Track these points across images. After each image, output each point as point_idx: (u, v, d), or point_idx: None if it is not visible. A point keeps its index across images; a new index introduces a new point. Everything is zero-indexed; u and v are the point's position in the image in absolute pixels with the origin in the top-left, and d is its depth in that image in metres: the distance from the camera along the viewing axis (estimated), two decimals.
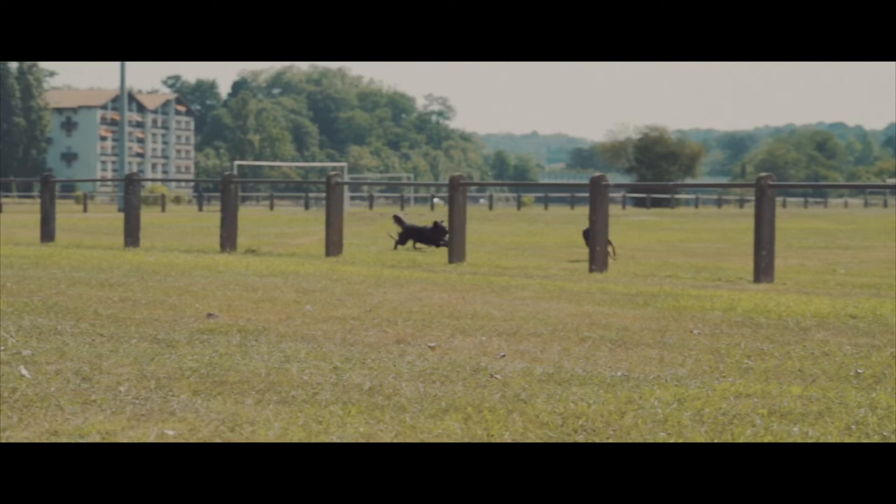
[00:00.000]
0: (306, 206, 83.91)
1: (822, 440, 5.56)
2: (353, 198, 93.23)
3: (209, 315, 10.59)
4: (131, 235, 24.04)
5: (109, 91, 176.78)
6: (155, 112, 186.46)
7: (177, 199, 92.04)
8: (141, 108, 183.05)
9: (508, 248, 26.45)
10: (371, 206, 79.63)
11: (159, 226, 37.52)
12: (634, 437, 5.59)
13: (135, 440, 5.29)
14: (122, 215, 25.10)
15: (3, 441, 5.24)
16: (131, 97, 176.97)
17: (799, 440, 5.56)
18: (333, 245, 21.46)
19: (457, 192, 20.22)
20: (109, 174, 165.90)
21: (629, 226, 41.16)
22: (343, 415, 6.00)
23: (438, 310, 11.43)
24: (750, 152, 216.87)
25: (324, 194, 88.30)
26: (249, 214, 54.95)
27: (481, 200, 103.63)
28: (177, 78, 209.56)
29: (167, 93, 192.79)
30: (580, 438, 5.57)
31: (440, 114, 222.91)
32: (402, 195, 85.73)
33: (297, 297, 12.61)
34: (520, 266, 19.10)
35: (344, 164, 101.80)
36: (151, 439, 5.32)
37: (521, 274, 17.18)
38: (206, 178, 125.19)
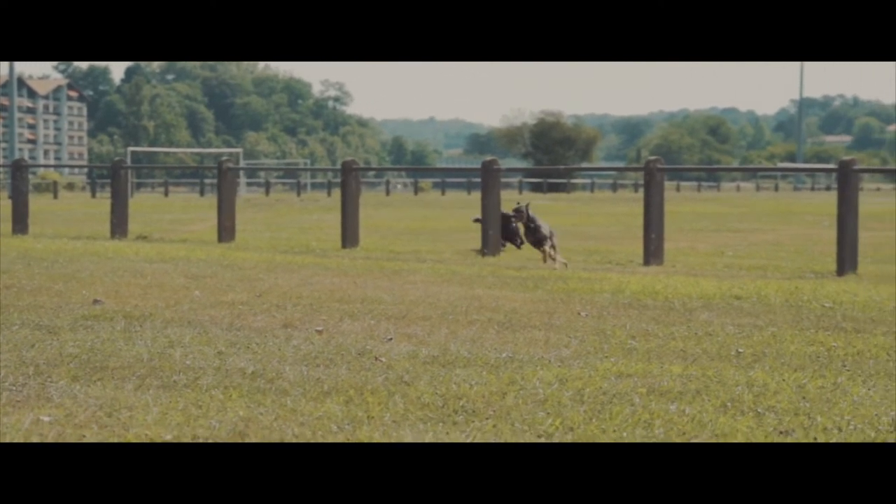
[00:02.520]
0: (202, 193, 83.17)
1: (697, 417, 5.64)
2: (249, 184, 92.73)
3: (95, 301, 10.47)
4: (19, 222, 23.68)
5: None
6: (46, 98, 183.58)
7: (70, 186, 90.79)
8: (32, 94, 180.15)
9: (403, 232, 26.47)
10: (268, 193, 79.18)
11: (50, 213, 37.01)
12: (514, 418, 5.62)
13: (10, 427, 5.22)
14: (11, 202, 24.69)
15: None
16: (21, 82, 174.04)
17: (675, 417, 5.63)
18: (226, 231, 21.33)
19: (349, 177, 20.19)
20: (0, 161, 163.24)
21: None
22: (224, 399, 5.97)
23: (329, 294, 11.41)
24: (645, 137, 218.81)
25: (217, 181, 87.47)
26: (144, 201, 54.43)
27: (378, 186, 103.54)
28: (68, 63, 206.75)
29: (59, 78, 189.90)
30: (460, 419, 5.59)
31: (337, 99, 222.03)
32: (299, 181, 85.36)
33: (186, 283, 12.51)
34: (413, 250, 19.13)
35: (240, 150, 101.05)
36: (27, 425, 5.25)
37: (413, 258, 17.20)
38: (99, 164, 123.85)
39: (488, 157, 19.51)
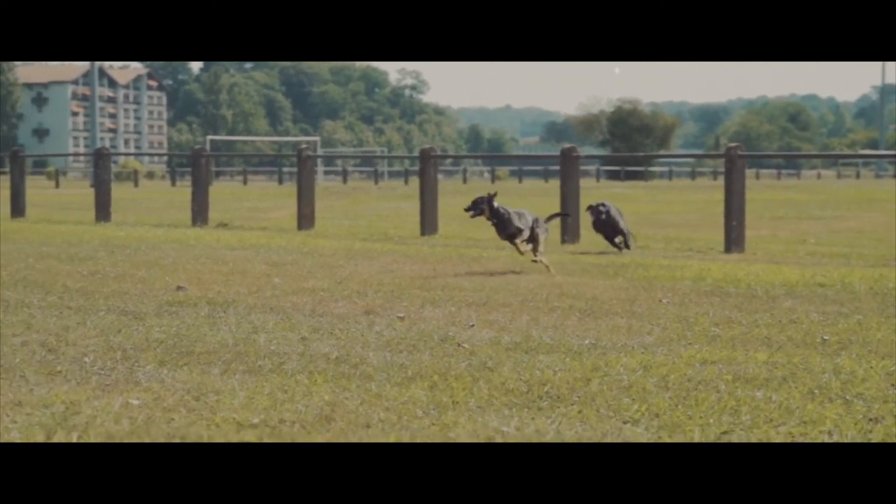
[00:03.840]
0: (280, 181, 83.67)
1: (784, 404, 5.59)
2: (326, 172, 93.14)
3: (178, 288, 10.57)
4: (102, 210, 23.96)
5: (80, 66, 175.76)
6: (126, 87, 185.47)
7: (150, 175, 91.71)
8: (112, 84, 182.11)
9: (481, 220, 26.41)
10: (345, 181, 79.51)
11: (131, 201, 37.38)
12: (599, 404, 5.60)
13: (100, 409, 5.29)
14: (94, 191, 25.00)
15: None
16: (102, 72, 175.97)
17: (762, 404, 5.59)
18: (305, 219, 21.44)
19: (428, 165, 20.21)
20: (82, 150, 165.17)
21: (603, 198, 41.14)
22: (309, 384, 6.01)
23: (409, 281, 11.44)
24: (723, 124, 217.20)
25: (297, 169, 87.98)
26: (223, 189, 54.80)
27: (455, 175, 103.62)
28: None
29: (139, 67, 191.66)
30: (545, 405, 5.58)
31: (414, 88, 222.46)
32: (376, 169, 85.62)
33: (267, 270, 12.60)
34: (492, 238, 19.08)
35: (317, 138, 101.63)
36: (116, 408, 5.31)
37: (492, 246, 17.18)
38: (179, 153, 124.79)
39: (565, 145, 19.44)
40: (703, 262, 14.28)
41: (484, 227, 22.62)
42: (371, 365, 6.56)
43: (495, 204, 13.21)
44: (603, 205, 15.91)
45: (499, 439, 4.90)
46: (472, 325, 8.34)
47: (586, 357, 6.94)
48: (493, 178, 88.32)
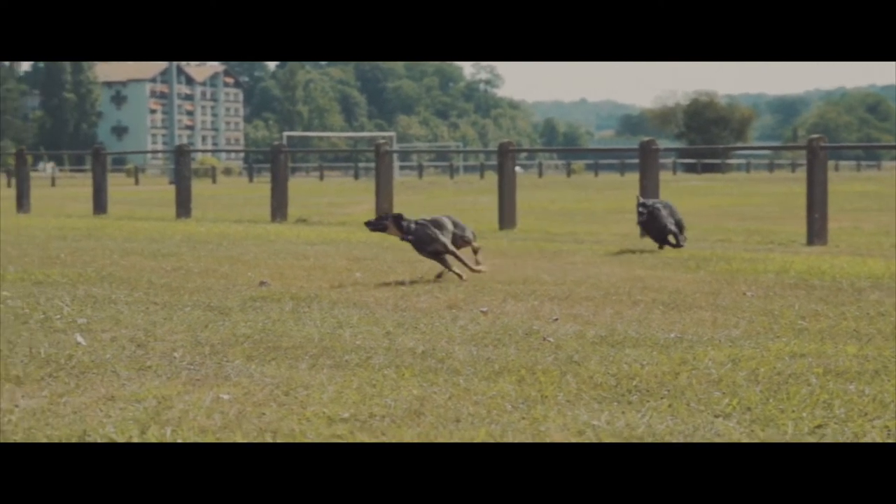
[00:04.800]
0: (356, 176, 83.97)
1: (878, 398, 5.53)
2: (402, 167, 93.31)
3: (261, 283, 10.64)
4: (183, 206, 24.18)
5: (158, 64, 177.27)
6: (203, 84, 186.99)
7: (227, 171, 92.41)
8: (189, 81, 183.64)
9: (558, 214, 26.40)
10: (421, 176, 79.64)
11: (210, 197, 37.67)
12: (689, 398, 5.57)
13: (191, 404, 5.33)
14: (173, 187, 25.25)
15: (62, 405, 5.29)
16: (180, 70, 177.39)
17: (855, 398, 5.53)
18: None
19: (506, 159, 20.19)
20: (160, 147, 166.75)
21: (681, 191, 40.91)
22: (397, 378, 6.02)
23: (490, 275, 11.41)
24: (801, 116, 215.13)
25: (373, 164, 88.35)
26: (299, 185, 55.05)
27: (530, 168, 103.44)
28: None
29: (215, 65, 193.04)
30: (634, 399, 5.55)
31: (488, 82, 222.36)
32: (452, 164, 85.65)
33: (347, 265, 12.65)
34: (570, 232, 19.06)
35: (392, 133, 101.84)
36: (208, 403, 5.35)
37: (571, 240, 17.15)
38: (256, 149, 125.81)
39: (643, 138, 19.35)
40: (785, 254, 14.15)
41: (562, 221, 22.58)
42: (457, 359, 6.57)
43: (404, 222, 11.37)
44: (643, 205, 14.87)
45: (590, 433, 4.89)
46: (556, 319, 8.32)
47: (673, 351, 6.90)
48: (569, 171, 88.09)
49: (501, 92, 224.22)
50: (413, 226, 11.30)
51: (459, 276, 11.03)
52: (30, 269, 11.73)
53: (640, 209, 14.74)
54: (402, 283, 10.70)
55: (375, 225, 11.55)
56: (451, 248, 11.22)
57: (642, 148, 18.38)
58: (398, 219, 11.43)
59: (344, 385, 5.80)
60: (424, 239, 11.25)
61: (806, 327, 7.91)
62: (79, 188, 53.47)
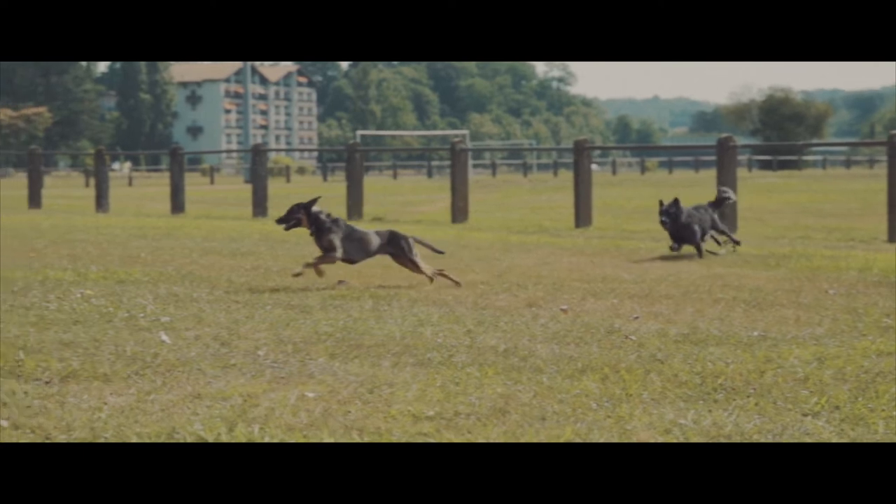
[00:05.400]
0: (429, 175, 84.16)
1: None
2: (475, 165, 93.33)
3: (339, 282, 10.66)
4: (259, 205, 24.34)
5: (232, 64, 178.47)
6: (277, 84, 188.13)
7: (301, 170, 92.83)
8: (263, 81, 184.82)
9: (634, 212, 26.27)
10: (494, 174, 79.62)
11: (285, 196, 37.76)
12: (776, 396, 5.52)
13: (277, 402, 5.35)
14: (248, 187, 25.46)
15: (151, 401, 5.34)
16: (254, 70, 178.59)
17: None
18: (459, 211, 21.51)
19: (581, 156, 20.13)
20: (234, 147, 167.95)
21: (758, 188, 40.60)
22: (480, 376, 6.02)
23: (567, 273, 11.40)
24: (878, 112, 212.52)
25: (446, 163, 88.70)
26: (373, 183, 55.23)
27: (604, 166, 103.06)
28: None
29: (289, 64, 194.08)
30: (720, 397, 5.51)
31: (561, 80, 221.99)
32: (525, 162, 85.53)
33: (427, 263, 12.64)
34: (646, 230, 18.95)
35: (465, 132, 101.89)
36: (293, 401, 5.37)
37: (648, 237, 17.07)
38: (331, 147, 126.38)
39: (717, 135, 19.21)
40: (867, 252, 14.01)
41: (638, 219, 22.46)
42: (540, 357, 6.55)
43: (315, 208, 10.72)
44: (666, 213, 13.52)
45: (676, 432, 4.86)
46: (637, 317, 8.28)
47: (757, 349, 6.84)
48: (643, 168, 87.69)
49: (574, 89, 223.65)
50: (322, 217, 10.66)
51: (318, 272, 10.54)
52: (112, 268, 11.84)
53: (663, 218, 13.52)
54: (481, 282, 10.69)
55: (288, 220, 10.81)
56: (337, 253, 10.62)
57: (720, 145, 18.25)
58: (309, 206, 10.72)
59: (427, 383, 5.81)
60: (322, 233, 10.64)
61: (891, 325, 7.82)
62: (155, 187, 53.98)
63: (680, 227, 13.49)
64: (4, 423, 4.87)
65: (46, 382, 5.82)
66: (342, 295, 9.57)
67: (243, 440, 4.65)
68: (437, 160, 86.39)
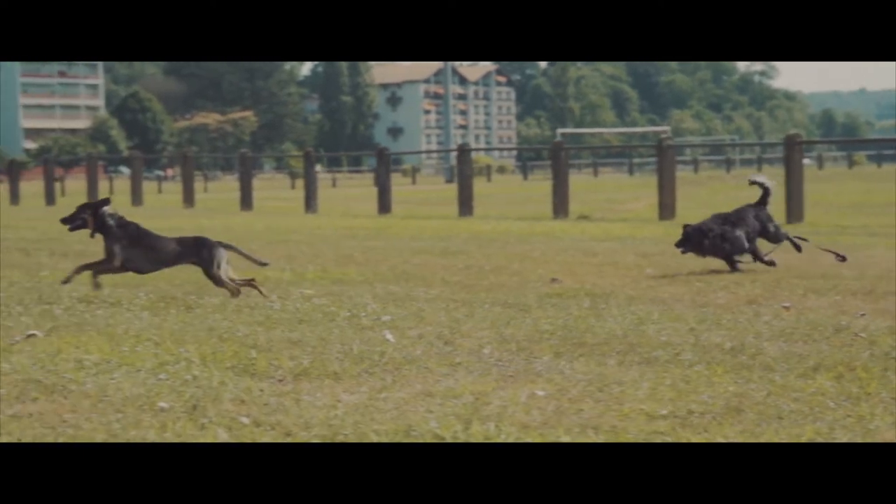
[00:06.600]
0: (630, 172, 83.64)
1: None
2: (676, 162, 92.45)
3: (553, 280, 10.66)
4: (465, 205, 24.48)
5: (432, 65, 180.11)
6: (476, 84, 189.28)
7: (501, 169, 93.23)
8: (463, 81, 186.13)
9: (845, 207, 25.66)
10: (696, 170, 78.72)
11: (487, 195, 38.00)
12: None
13: (508, 400, 5.36)
14: (449, 186, 25.68)
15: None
16: (453, 70, 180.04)
17: None
18: (666, 208, 21.32)
19: (793, 151, 19.76)
20: (434, 147, 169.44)
21: None
22: (709, 374, 5.93)
23: (785, 270, 11.19)
24: None
25: (646, 160, 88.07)
26: (575, 182, 55.08)
27: (810, 160, 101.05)
28: None
29: (487, 64, 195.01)
30: None
31: (763, 74, 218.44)
32: (728, 157, 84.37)
33: (636, 261, 12.58)
34: (862, 225, 18.51)
35: (667, 128, 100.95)
36: (523, 399, 5.37)
37: (864, 233, 16.66)
38: (534, 146, 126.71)
39: None
40: None
41: (852, 214, 21.93)
42: (769, 355, 6.43)
43: (107, 210, 9.81)
44: (683, 243, 11.64)
45: None
46: (863, 315, 8.07)
47: None
48: (851, 162, 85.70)
49: (777, 83, 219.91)
50: (111, 221, 9.76)
51: (94, 285, 9.70)
52: (327, 268, 12.04)
53: (682, 249, 11.65)
54: (697, 280, 10.57)
55: (73, 221, 9.88)
56: (115, 262, 9.73)
57: None
58: (98, 207, 9.83)
59: (657, 381, 5.74)
60: (110, 241, 9.75)
61: None
62: (358, 188, 54.81)
63: (711, 248, 11.49)
64: (245, 420, 4.97)
65: (279, 380, 5.93)
66: (558, 293, 9.55)
67: (480, 438, 4.66)
68: (637, 157, 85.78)
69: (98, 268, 9.79)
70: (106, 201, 9.97)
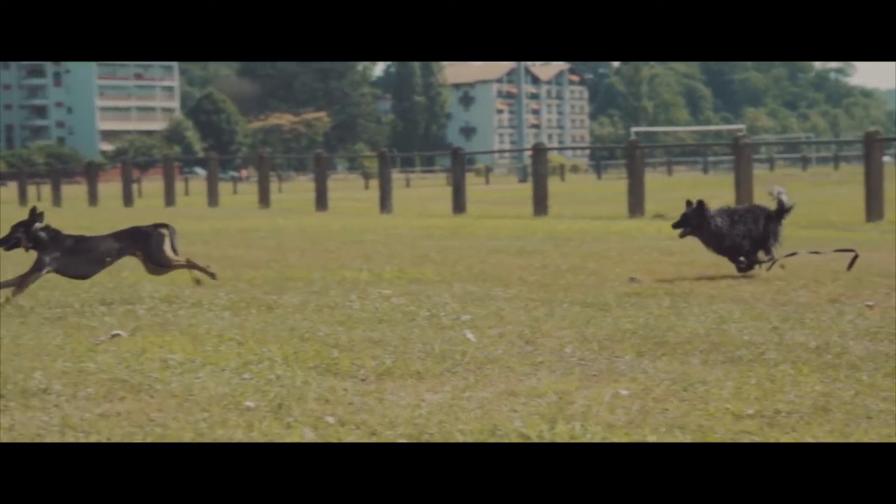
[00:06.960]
0: (705, 171, 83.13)
1: None
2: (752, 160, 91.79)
3: (631, 279, 10.61)
4: (540, 204, 24.44)
5: (504, 65, 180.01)
6: (549, 83, 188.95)
7: (574, 168, 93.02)
8: (535, 80, 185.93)
9: None
10: (772, 168, 78.08)
11: (561, 194, 37.91)
12: None
13: (592, 399, 5.34)
14: (522, 186, 25.68)
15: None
16: (526, 69, 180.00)
17: None
18: None
19: (873, 149, 19.55)
20: (507, 146, 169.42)
21: None
22: (794, 374, 5.87)
23: (865, 268, 11.05)
24: None
25: (721, 158, 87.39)
26: (650, 180, 54.81)
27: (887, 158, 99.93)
28: None
29: (560, 64, 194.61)
30: None
31: (839, 71, 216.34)
32: (803, 156, 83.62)
33: (715, 260, 12.45)
34: None
35: (742, 126, 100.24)
36: (607, 399, 5.35)
37: None
38: (607, 145, 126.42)
39: None
40: None
41: None
42: (855, 354, 6.36)
43: (38, 225, 9.78)
44: (683, 223, 11.40)
45: None
46: None
47: None
48: None
49: (853, 80, 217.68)
50: (43, 234, 9.76)
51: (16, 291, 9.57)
52: (404, 268, 12.06)
53: (684, 229, 11.37)
54: (777, 278, 10.47)
55: (8, 240, 9.87)
56: (42, 271, 9.67)
57: None
58: (29, 225, 9.79)
59: (742, 381, 5.70)
60: (39, 248, 9.74)
61: None
62: (432, 188, 54.91)
63: (712, 238, 11.17)
64: (331, 420, 4.99)
65: (362, 380, 5.95)
66: (637, 292, 9.51)
67: (566, 438, 4.65)
68: (712, 156, 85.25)
69: (24, 280, 9.67)
70: (38, 217, 9.84)
